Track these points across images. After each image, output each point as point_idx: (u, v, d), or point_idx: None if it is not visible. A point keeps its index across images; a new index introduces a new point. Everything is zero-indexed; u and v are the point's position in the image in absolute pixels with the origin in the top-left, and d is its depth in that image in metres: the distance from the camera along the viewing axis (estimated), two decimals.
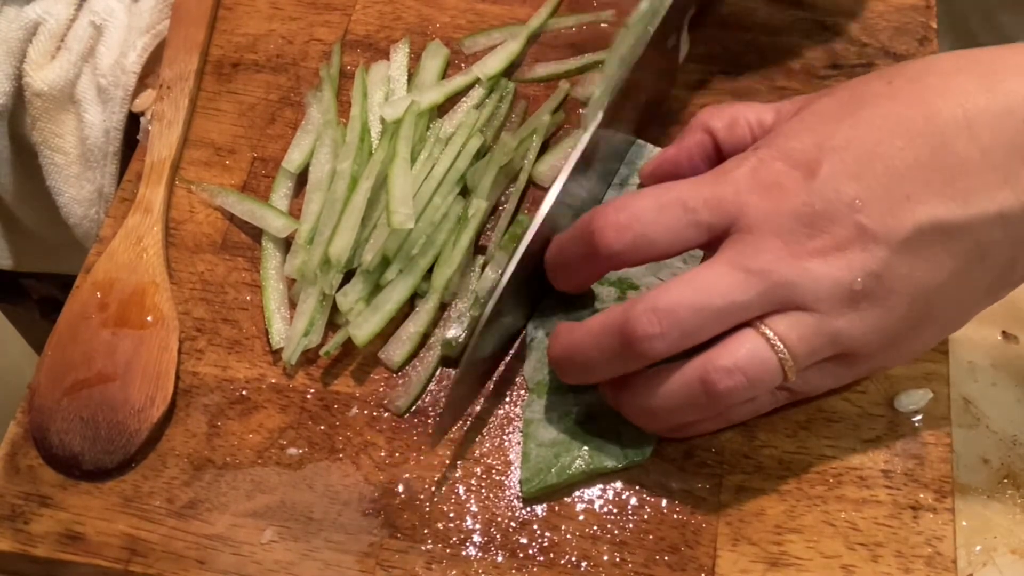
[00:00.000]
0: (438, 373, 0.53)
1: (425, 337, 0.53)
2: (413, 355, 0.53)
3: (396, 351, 0.53)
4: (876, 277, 0.43)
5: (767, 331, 0.43)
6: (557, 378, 0.51)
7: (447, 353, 0.53)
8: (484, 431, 0.51)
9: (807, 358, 0.44)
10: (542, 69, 0.62)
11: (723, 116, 0.50)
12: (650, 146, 0.58)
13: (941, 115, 0.43)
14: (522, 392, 0.52)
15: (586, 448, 0.49)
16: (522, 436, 0.50)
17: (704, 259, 0.47)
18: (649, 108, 0.59)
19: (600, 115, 0.52)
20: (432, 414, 0.52)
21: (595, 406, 0.50)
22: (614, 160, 0.57)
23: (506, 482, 0.50)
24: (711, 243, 0.45)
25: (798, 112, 0.47)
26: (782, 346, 0.43)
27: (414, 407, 0.52)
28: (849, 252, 0.43)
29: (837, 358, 0.45)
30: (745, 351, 0.43)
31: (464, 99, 0.60)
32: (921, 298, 0.44)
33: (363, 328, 0.52)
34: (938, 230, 0.43)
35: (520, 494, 0.49)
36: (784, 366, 0.44)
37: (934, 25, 0.63)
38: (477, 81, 0.61)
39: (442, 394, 0.52)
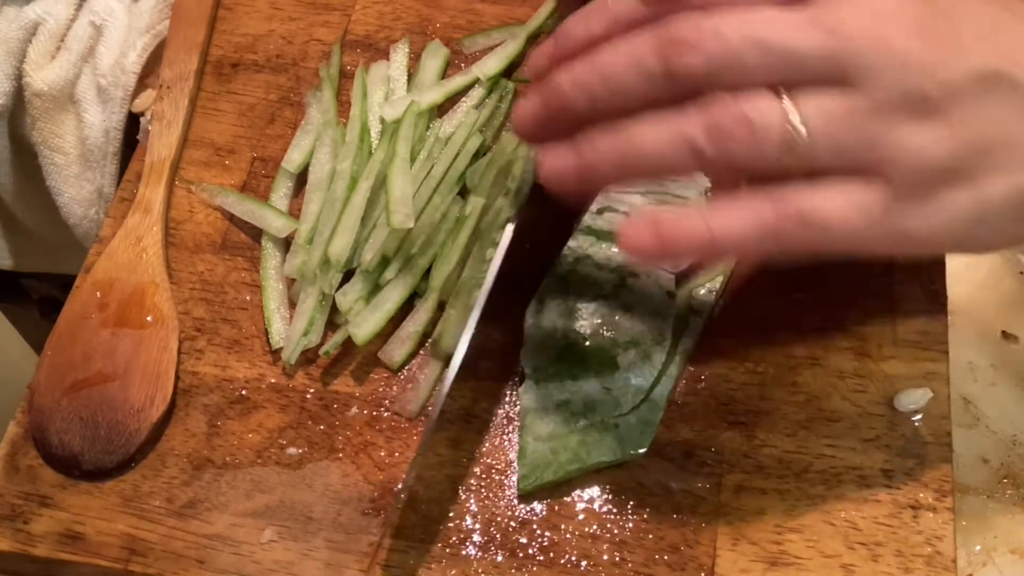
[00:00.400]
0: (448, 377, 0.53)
1: (425, 336, 0.53)
2: (413, 354, 0.53)
3: (396, 350, 0.53)
4: (953, 93, 0.38)
5: (785, 99, 0.38)
6: (554, 365, 0.51)
7: (439, 357, 0.52)
8: (484, 431, 0.51)
9: (824, 137, 0.38)
10: None
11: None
12: None
13: None
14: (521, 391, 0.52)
15: (583, 442, 0.49)
16: (519, 426, 0.50)
17: None
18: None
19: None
20: (440, 419, 0.51)
21: (592, 396, 0.50)
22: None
23: (506, 482, 0.50)
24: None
25: None
26: (797, 115, 0.38)
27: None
28: (944, 45, 0.38)
29: (864, 176, 0.39)
30: (755, 102, 0.38)
31: (464, 99, 0.60)
32: (985, 143, 0.39)
33: (363, 327, 0.52)
34: (1017, 87, 0.39)
35: (517, 490, 0.49)
36: (792, 132, 0.38)
37: None
38: (477, 81, 0.61)
39: (452, 399, 0.52)
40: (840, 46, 0.38)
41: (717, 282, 0.53)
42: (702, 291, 0.53)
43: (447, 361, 0.53)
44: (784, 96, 0.38)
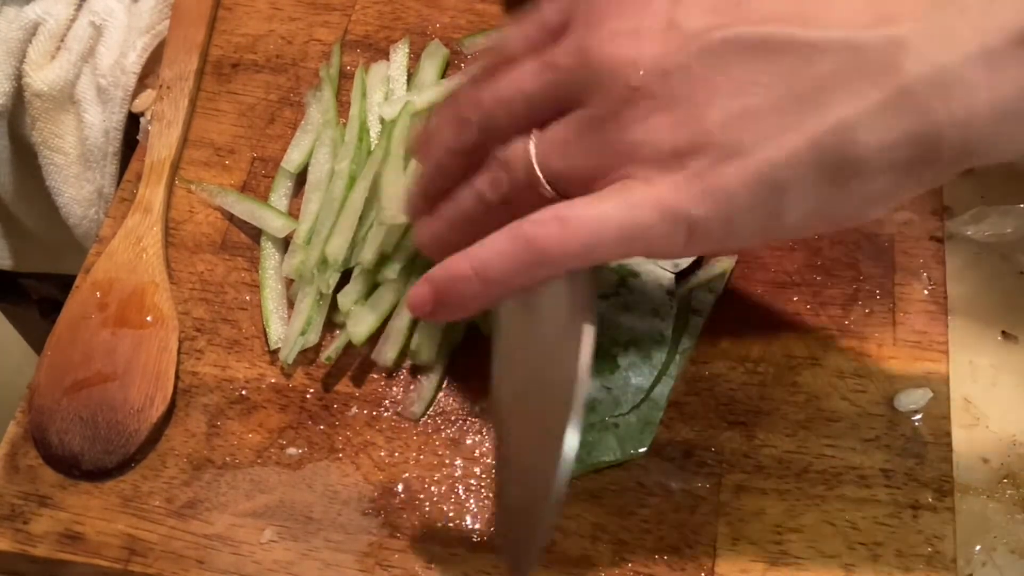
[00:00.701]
0: (448, 376, 0.53)
1: (412, 333, 0.53)
2: (403, 352, 0.53)
3: (386, 350, 0.52)
4: (663, 76, 0.38)
5: (531, 138, 0.41)
6: None
7: (414, 361, 0.52)
8: (484, 431, 0.51)
9: (556, 161, 0.40)
10: None
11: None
12: None
13: None
14: None
15: (584, 442, 0.49)
16: None
17: None
18: None
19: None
20: (440, 419, 0.52)
21: (592, 396, 0.50)
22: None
23: None
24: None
25: None
26: (534, 149, 0.40)
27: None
28: (647, 41, 0.38)
29: (614, 180, 0.39)
30: (510, 148, 0.41)
31: None
32: (717, 114, 0.37)
33: (360, 326, 0.52)
34: (761, 46, 0.37)
35: None
36: (531, 167, 0.40)
37: None
38: None
39: (452, 399, 0.52)
40: (556, 77, 0.40)
41: (717, 282, 0.53)
42: (702, 291, 0.53)
43: (445, 368, 0.53)
44: (530, 133, 0.41)
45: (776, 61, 0.37)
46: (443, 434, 0.51)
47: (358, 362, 0.53)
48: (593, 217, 0.38)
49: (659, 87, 0.38)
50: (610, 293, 0.53)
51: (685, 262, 0.54)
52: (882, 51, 0.35)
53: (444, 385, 0.52)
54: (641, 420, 0.50)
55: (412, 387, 0.52)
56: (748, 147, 0.37)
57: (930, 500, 0.48)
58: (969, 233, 0.59)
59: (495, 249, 0.40)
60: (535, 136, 0.41)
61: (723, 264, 0.54)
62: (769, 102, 0.37)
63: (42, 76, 0.64)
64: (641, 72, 0.38)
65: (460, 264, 0.41)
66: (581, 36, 0.40)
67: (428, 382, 0.52)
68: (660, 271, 0.53)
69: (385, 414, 0.52)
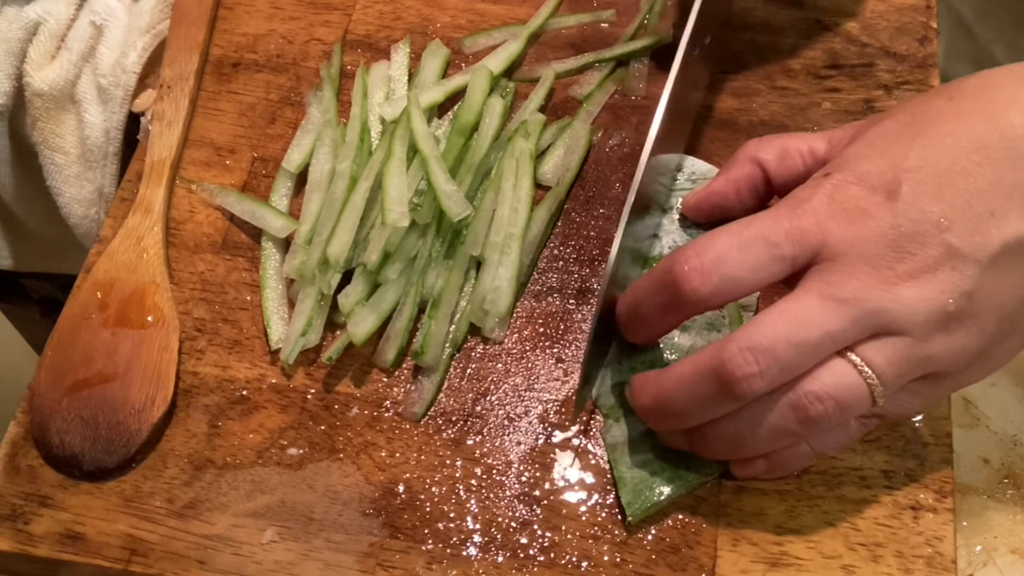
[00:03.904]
0: (448, 376, 0.53)
1: (413, 332, 0.53)
2: (403, 352, 0.53)
3: (387, 350, 0.52)
4: (968, 297, 0.42)
5: (855, 358, 0.43)
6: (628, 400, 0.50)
7: (417, 362, 0.52)
8: (484, 431, 0.51)
9: (896, 381, 0.44)
10: (542, 69, 0.62)
11: (773, 147, 0.49)
12: (690, 158, 0.58)
13: (1014, 127, 0.43)
14: (532, 394, 0.52)
15: (680, 460, 0.49)
16: (610, 462, 0.50)
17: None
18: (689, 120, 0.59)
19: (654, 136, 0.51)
20: (441, 420, 0.52)
21: None
22: (666, 179, 0.57)
23: (506, 482, 0.50)
24: (794, 275, 0.45)
25: (859, 136, 0.46)
26: (870, 371, 0.43)
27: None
28: (940, 273, 0.42)
29: (926, 378, 0.45)
30: (833, 377, 0.43)
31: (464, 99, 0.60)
32: (1009, 312, 0.43)
33: (361, 327, 0.52)
34: None
35: (628, 518, 0.48)
36: (873, 391, 0.43)
37: (934, 25, 0.63)
38: None
39: (452, 400, 0.52)
40: (865, 310, 0.42)
41: None
42: None
43: (445, 369, 0.53)
44: (849, 354, 0.43)
45: None
46: (444, 435, 0.51)
47: (359, 362, 0.53)
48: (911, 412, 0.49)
49: (966, 307, 0.43)
50: None
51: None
52: None
53: (444, 386, 0.52)
54: None
55: (413, 388, 0.52)
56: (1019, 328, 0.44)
57: (930, 501, 0.48)
58: None
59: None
60: (867, 367, 0.43)
61: None
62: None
63: (42, 76, 0.64)
64: (951, 301, 0.42)
65: (807, 460, 0.48)
66: (876, 278, 0.42)
67: (429, 383, 0.52)
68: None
69: (386, 415, 0.52)
